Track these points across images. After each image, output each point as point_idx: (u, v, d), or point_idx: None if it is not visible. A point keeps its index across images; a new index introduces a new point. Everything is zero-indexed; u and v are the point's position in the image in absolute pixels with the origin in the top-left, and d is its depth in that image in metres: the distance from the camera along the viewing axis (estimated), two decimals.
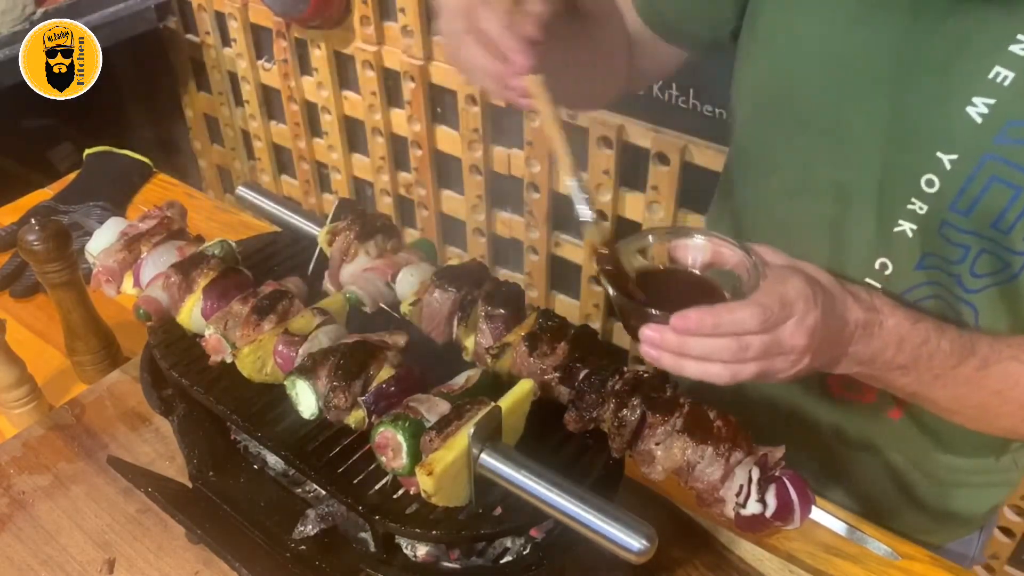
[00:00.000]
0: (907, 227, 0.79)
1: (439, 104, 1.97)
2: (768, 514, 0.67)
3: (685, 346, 0.66)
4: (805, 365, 0.71)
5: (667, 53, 0.97)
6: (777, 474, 0.69)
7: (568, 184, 0.74)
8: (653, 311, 0.68)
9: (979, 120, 0.72)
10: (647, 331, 0.68)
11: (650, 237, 0.76)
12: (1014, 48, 0.70)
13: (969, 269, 0.79)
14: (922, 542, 0.98)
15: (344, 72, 2.12)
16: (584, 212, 0.74)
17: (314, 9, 1.94)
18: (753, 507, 0.67)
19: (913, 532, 1.01)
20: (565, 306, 2.02)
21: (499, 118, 1.87)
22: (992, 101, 0.71)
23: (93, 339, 1.11)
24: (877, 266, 0.84)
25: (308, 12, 1.95)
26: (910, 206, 0.78)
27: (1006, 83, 0.70)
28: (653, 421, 0.70)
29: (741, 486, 0.67)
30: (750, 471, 0.68)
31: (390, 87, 2.02)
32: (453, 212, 2.11)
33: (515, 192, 1.94)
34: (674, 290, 0.71)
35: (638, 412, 0.69)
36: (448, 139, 1.98)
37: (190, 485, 0.90)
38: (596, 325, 1.95)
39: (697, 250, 0.74)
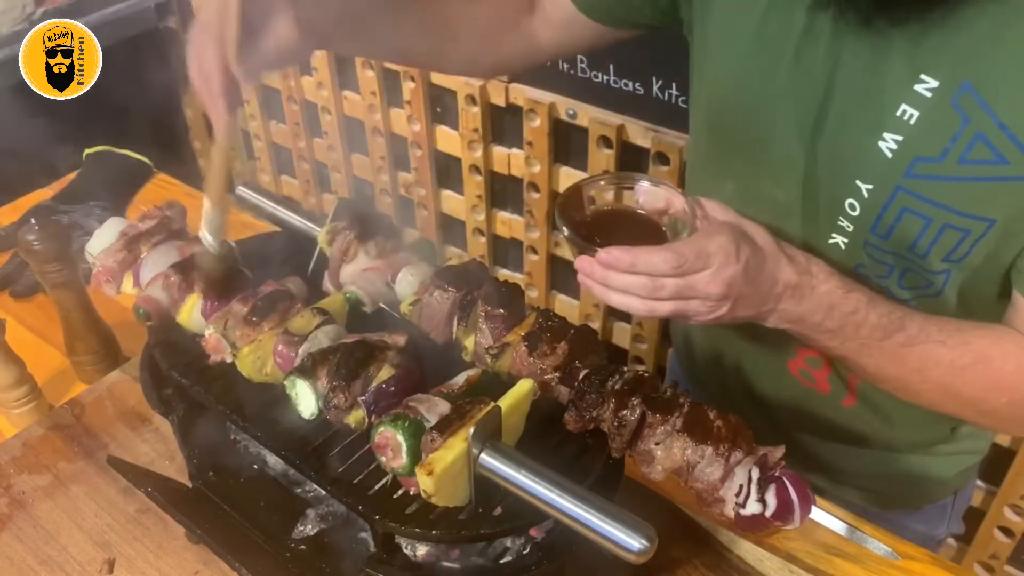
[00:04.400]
0: (839, 240, 0.84)
1: (439, 104, 1.97)
2: (768, 514, 0.67)
3: (608, 278, 0.73)
4: (726, 312, 0.75)
5: (596, 32, 1.01)
6: (777, 474, 0.69)
7: (206, 208, 0.83)
8: (588, 245, 0.73)
9: (889, 155, 0.76)
10: (580, 262, 0.74)
11: (602, 181, 0.81)
12: (918, 87, 0.73)
13: (896, 283, 0.84)
14: (897, 508, 1.04)
15: (344, 72, 2.13)
16: (207, 240, 0.84)
17: None
18: (753, 507, 0.67)
19: (886, 499, 1.06)
20: (565, 306, 2.02)
21: (499, 118, 1.87)
22: (900, 138, 0.75)
23: (93, 339, 1.11)
24: None
25: None
26: (840, 223, 0.83)
27: (912, 121, 0.74)
28: (653, 421, 0.70)
29: (741, 486, 0.67)
30: (750, 471, 0.68)
31: (390, 87, 2.02)
32: (453, 212, 2.11)
33: (515, 192, 1.94)
34: (623, 230, 0.76)
35: (638, 412, 0.70)
36: (448, 139, 1.98)
37: (190, 485, 0.90)
38: (596, 325, 1.95)
39: (652, 196, 0.79)
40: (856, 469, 1.04)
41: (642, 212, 0.80)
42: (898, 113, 0.74)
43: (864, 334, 0.79)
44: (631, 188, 0.80)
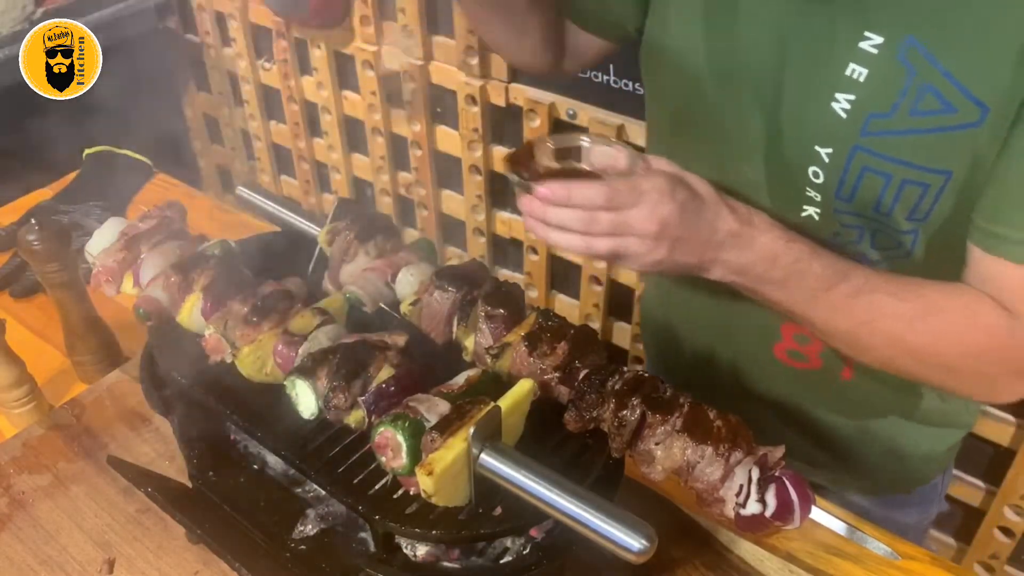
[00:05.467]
0: (812, 211, 0.85)
1: (439, 104, 1.97)
2: (768, 514, 0.67)
3: (546, 214, 0.75)
4: (664, 256, 0.76)
5: (585, 42, 1.06)
6: (777, 474, 0.69)
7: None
8: (529, 184, 0.76)
9: (844, 116, 0.77)
10: (522, 201, 0.77)
11: (549, 142, 0.83)
12: (863, 45, 0.74)
13: (869, 246, 0.85)
14: (890, 493, 1.08)
15: (344, 72, 2.13)
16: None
17: (314, 9, 1.94)
18: (753, 507, 0.67)
19: (879, 484, 1.07)
20: (565, 306, 2.02)
21: (499, 118, 1.87)
22: (852, 97, 0.76)
23: (93, 339, 1.11)
24: None
25: (308, 12, 1.96)
26: (808, 194, 0.84)
27: (861, 79, 0.75)
28: (653, 421, 0.70)
29: (741, 486, 0.67)
30: (750, 471, 0.68)
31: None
32: (453, 212, 2.11)
33: (515, 192, 1.94)
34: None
35: (638, 412, 0.70)
36: (448, 139, 1.98)
37: (190, 485, 0.90)
38: (596, 325, 1.95)
39: (602, 155, 0.82)
40: (848, 451, 1.05)
41: (590, 169, 0.82)
42: (847, 73, 0.76)
43: (809, 284, 0.79)
44: (580, 147, 0.82)
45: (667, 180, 0.76)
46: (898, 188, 0.78)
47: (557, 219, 0.75)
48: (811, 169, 0.81)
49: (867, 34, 0.74)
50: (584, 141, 0.82)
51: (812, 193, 0.83)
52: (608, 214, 0.74)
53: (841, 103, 0.77)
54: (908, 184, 0.77)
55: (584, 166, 0.82)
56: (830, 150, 0.79)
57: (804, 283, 0.79)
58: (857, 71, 0.75)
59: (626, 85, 1.62)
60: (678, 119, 0.95)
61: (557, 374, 0.75)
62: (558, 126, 1.76)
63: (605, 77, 1.65)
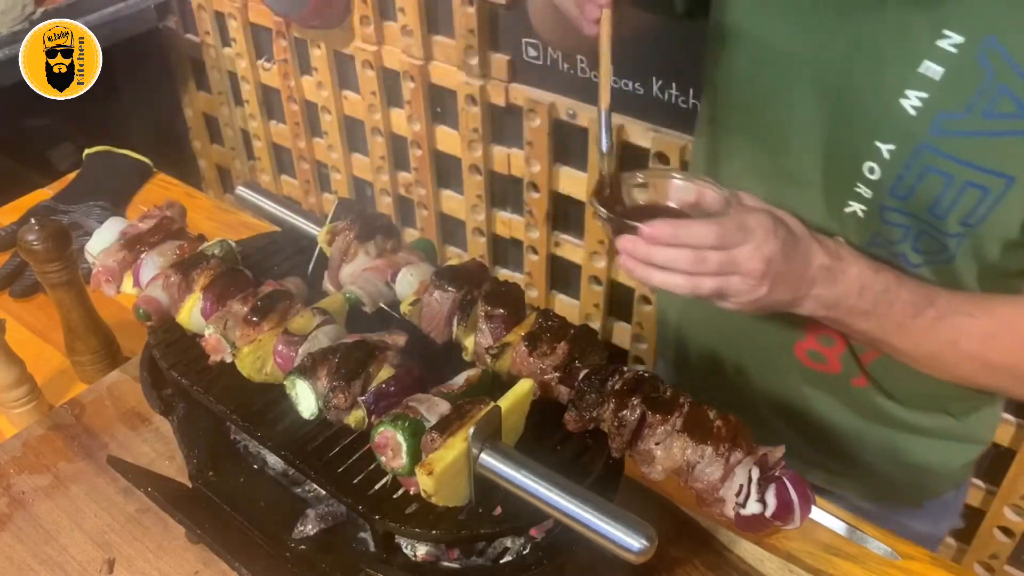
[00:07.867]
0: (857, 208, 0.84)
1: (439, 104, 1.97)
2: (768, 514, 0.67)
3: (651, 254, 0.73)
4: (764, 294, 0.75)
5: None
6: (777, 474, 0.69)
7: (601, 112, 0.82)
8: (629, 224, 0.74)
9: (913, 112, 0.76)
10: (623, 241, 0.74)
11: (639, 176, 0.82)
12: (941, 43, 0.73)
13: (911, 247, 0.84)
14: (899, 505, 1.04)
15: (344, 72, 2.13)
16: (604, 142, 0.82)
17: (314, 9, 1.94)
18: (753, 507, 0.67)
19: (888, 493, 1.06)
20: (565, 306, 2.02)
21: (499, 118, 1.87)
22: (924, 95, 0.75)
23: (93, 339, 1.11)
24: None
25: (308, 12, 1.96)
26: (857, 189, 0.83)
27: (936, 77, 0.74)
28: (653, 421, 0.70)
29: (741, 486, 0.67)
30: (750, 471, 0.68)
31: (390, 87, 2.02)
32: (453, 212, 2.11)
33: (515, 192, 1.94)
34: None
35: (638, 412, 0.70)
36: (448, 139, 1.98)
37: (190, 485, 0.90)
38: (596, 325, 1.95)
39: (684, 191, 0.81)
40: (859, 458, 1.04)
41: (673, 206, 0.81)
42: (920, 70, 0.75)
43: (897, 312, 0.79)
44: (664, 182, 0.81)
45: (769, 216, 0.74)
46: (959, 190, 0.76)
47: (664, 259, 0.73)
48: (867, 164, 0.80)
49: (946, 32, 0.73)
50: (676, 177, 0.81)
51: (862, 189, 0.82)
52: (717, 253, 0.72)
53: (912, 100, 0.76)
54: (970, 186, 0.76)
55: (666, 202, 0.81)
56: (892, 146, 0.78)
57: (892, 311, 0.79)
58: (932, 68, 0.74)
59: (626, 85, 1.62)
60: (733, 103, 0.93)
61: (557, 374, 0.75)
62: (558, 126, 1.76)
63: None
